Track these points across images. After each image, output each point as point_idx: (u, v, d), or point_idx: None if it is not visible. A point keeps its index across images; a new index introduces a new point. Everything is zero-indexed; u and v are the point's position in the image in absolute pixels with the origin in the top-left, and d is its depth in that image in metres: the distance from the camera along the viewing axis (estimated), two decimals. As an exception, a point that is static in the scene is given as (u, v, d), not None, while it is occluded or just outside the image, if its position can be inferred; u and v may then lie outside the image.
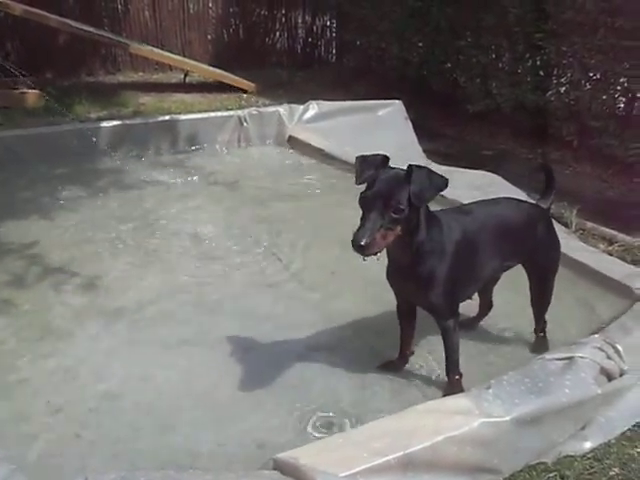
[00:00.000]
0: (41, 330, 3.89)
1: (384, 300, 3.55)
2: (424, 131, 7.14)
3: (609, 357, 3.14)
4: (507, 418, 2.73)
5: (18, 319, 3.99)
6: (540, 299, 3.67)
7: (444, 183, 2.95)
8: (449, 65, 8.55)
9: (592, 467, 2.82)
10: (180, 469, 2.71)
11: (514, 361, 3.48)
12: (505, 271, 3.61)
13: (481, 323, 3.93)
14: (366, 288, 4.19)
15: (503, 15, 7.24)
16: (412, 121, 7.15)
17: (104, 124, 6.95)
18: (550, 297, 3.66)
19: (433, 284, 3.11)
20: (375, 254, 2.83)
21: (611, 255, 4.59)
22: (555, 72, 7.22)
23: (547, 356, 3.15)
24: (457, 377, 3.28)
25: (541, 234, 3.55)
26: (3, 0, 8.56)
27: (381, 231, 2.79)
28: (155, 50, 9.75)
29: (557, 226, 4.96)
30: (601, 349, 3.15)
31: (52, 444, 3.02)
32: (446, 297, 3.15)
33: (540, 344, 3.72)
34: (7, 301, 4.17)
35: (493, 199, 3.64)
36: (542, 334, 3.76)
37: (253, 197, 5.79)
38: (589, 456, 2.87)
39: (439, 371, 3.45)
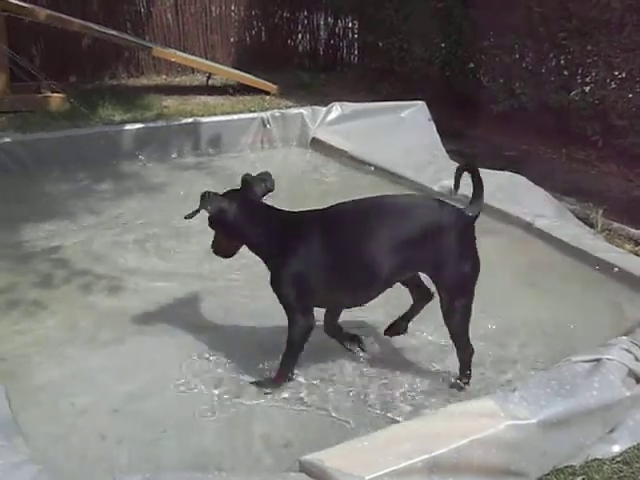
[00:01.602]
0: (67, 331, 3.92)
1: (404, 303, 3.55)
2: (447, 132, 7.10)
3: (637, 359, 3.09)
4: (533, 421, 2.70)
5: (45, 321, 4.03)
6: (450, 324, 3.27)
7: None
8: (472, 65, 8.51)
9: (621, 471, 2.79)
10: (206, 470, 2.72)
11: (538, 363, 3.47)
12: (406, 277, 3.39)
13: (504, 324, 3.88)
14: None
15: (527, 14, 7.19)
16: (435, 122, 7.12)
17: (127, 127, 7.00)
18: (463, 326, 3.25)
19: (274, 281, 3.31)
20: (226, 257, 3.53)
21: (638, 256, 4.54)
22: (580, 71, 7.16)
23: (574, 358, 3.11)
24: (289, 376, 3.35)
25: (452, 244, 3.19)
26: (28, 6, 8.64)
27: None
28: (178, 53, 9.79)
29: (583, 227, 4.98)
30: (629, 351, 3.11)
31: (78, 445, 3.04)
32: (293, 296, 3.25)
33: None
34: (35, 302, 4.21)
35: (393, 196, 3.51)
36: (463, 382, 3.34)
37: (276, 199, 5.75)
38: (618, 460, 2.84)
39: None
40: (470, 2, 8.03)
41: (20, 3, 8.57)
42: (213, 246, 3.52)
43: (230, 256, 3.54)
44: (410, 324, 3.62)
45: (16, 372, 3.50)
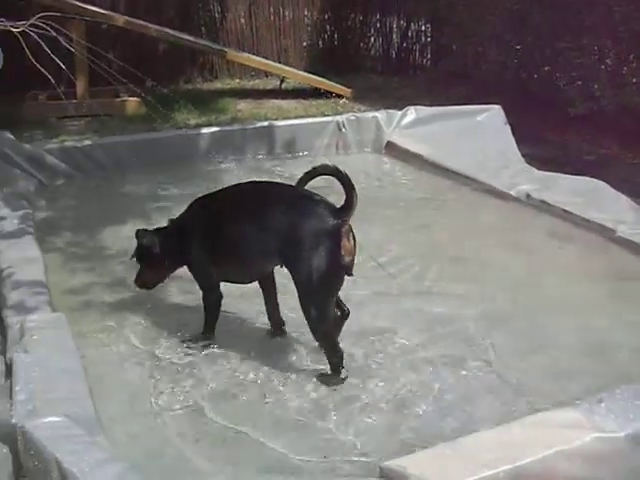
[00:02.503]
0: (142, 332, 3.97)
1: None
2: (523, 136, 6.95)
3: None
4: (621, 434, 2.61)
5: (121, 321, 4.08)
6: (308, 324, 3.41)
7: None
8: (548, 68, 8.35)
9: None
10: (284, 474, 2.72)
11: (622, 374, 3.37)
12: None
13: (586, 335, 3.80)
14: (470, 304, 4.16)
15: (607, 14, 7.02)
16: (511, 125, 7.00)
17: (203, 130, 7.09)
18: (311, 320, 3.37)
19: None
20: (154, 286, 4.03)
21: None
22: (663, 72, 6.96)
23: (663, 370, 3.02)
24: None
25: (305, 242, 3.29)
26: (107, 12, 8.84)
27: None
28: (252, 57, 9.86)
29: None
30: None
31: (158, 444, 3.07)
32: (198, 275, 3.81)
33: None
34: (111, 303, 4.29)
35: (265, 185, 3.90)
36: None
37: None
38: None
39: (546, 381, 3.37)
40: (547, 3, 7.88)
41: (99, 10, 8.77)
42: (138, 279, 3.99)
43: (153, 287, 4.03)
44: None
45: (96, 370, 3.54)
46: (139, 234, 3.88)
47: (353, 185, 3.26)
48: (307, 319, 3.39)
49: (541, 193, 5.46)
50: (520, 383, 3.42)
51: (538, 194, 5.45)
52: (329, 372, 3.45)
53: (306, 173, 3.36)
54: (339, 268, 3.32)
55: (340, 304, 3.60)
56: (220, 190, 3.89)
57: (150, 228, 3.96)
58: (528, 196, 5.50)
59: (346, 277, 3.40)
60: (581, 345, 3.74)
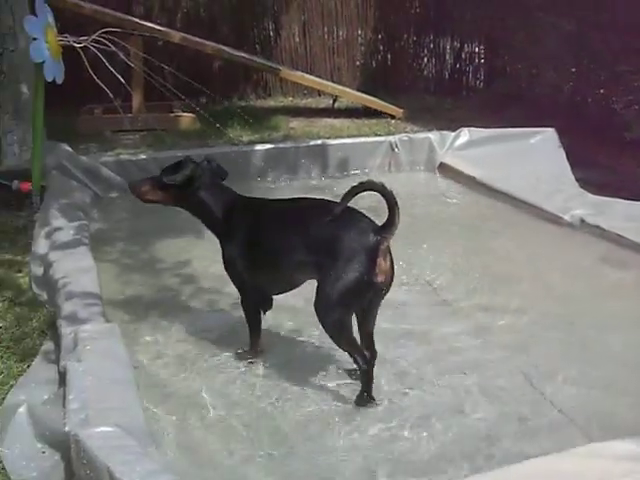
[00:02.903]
0: (195, 346, 3.99)
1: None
2: (578, 160, 6.85)
3: None
4: (680, 469, 2.55)
5: (173, 335, 4.11)
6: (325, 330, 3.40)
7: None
8: (604, 91, 8.25)
9: None
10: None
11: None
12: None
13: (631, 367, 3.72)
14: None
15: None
16: (565, 149, 6.92)
17: (257, 147, 7.14)
18: (327, 327, 3.36)
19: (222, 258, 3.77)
20: (145, 201, 3.87)
21: None
22: None
23: None
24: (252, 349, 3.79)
25: (339, 253, 3.25)
26: (164, 29, 8.99)
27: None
28: (305, 75, 9.93)
29: None
30: None
31: (206, 458, 3.08)
32: (233, 274, 3.75)
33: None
34: (162, 316, 4.31)
35: (319, 201, 3.75)
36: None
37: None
38: None
39: (600, 407, 3.33)
40: (604, 25, 7.79)
41: (156, 26, 8.94)
42: (142, 186, 3.84)
43: (144, 201, 3.90)
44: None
45: (152, 381, 3.61)
46: (200, 160, 3.80)
47: (397, 203, 3.25)
48: (322, 324, 3.37)
49: (595, 218, 5.37)
50: (572, 409, 3.36)
51: (592, 219, 5.37)
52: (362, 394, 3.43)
53: (352, 187, 3.32)
54: (368, 284, 3.26)
55: (371, 345, 3.51)
56: (269, 200, 3.95)
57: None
58: (582, 221, 5.42)
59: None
60: (626, 377, 3.65)
